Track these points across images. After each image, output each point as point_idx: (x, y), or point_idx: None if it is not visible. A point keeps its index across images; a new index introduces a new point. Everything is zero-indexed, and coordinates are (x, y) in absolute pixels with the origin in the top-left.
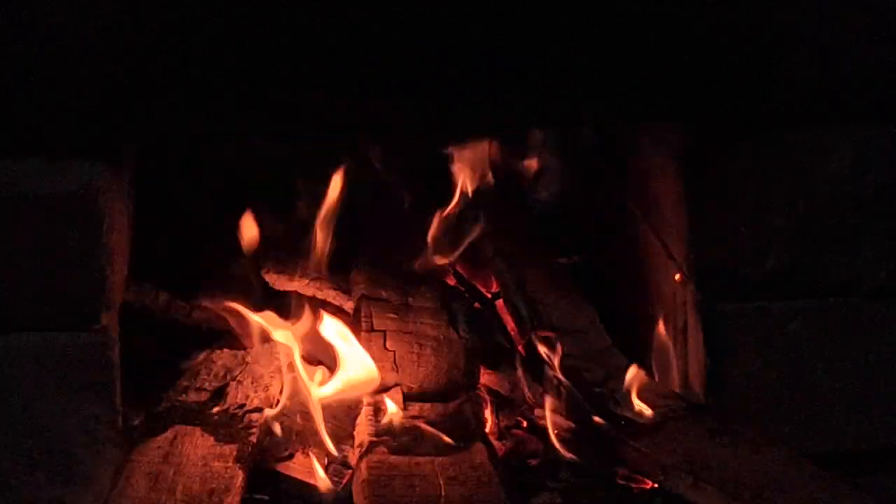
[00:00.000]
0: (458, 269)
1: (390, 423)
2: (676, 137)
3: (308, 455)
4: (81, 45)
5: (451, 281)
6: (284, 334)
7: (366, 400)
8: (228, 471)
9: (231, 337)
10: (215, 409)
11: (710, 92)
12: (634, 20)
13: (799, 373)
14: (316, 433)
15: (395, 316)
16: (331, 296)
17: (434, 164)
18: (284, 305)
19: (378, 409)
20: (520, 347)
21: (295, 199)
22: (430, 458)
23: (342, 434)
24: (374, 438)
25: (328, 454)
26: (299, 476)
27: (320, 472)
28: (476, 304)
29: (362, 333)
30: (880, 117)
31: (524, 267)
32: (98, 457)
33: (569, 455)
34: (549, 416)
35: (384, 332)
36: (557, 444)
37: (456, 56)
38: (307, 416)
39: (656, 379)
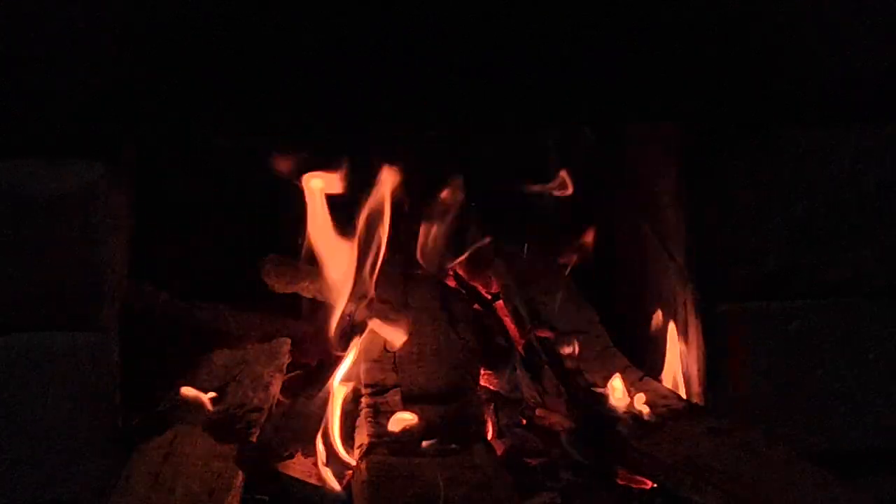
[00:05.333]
0: (458, 270)
1: (392, 424)
2: (676, 137)
3: (308, 455)
4: (82, 45)
5: (451, 282)
6: None
7: (365, 401)
8: (228, 471)
9: (231, 337)
10: (215, 409)
11: (709, 92)
12: (634, 20)
13: (799, 373)
14: (319, 433)
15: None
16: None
17: (434, 164)
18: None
19: (378, 410)
20: (520, 348)
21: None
22: (431, 458)
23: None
24: (375, 439)
25: (332, 453)
26: (299, 476)
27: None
28: (476, 305)
29: (363, 335)
30: (880, 117)
31: (524, 267)
32: (98, 457)
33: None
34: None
35: None
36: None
37: (455, 56)
38: (308, 416)
39: (656, 379)
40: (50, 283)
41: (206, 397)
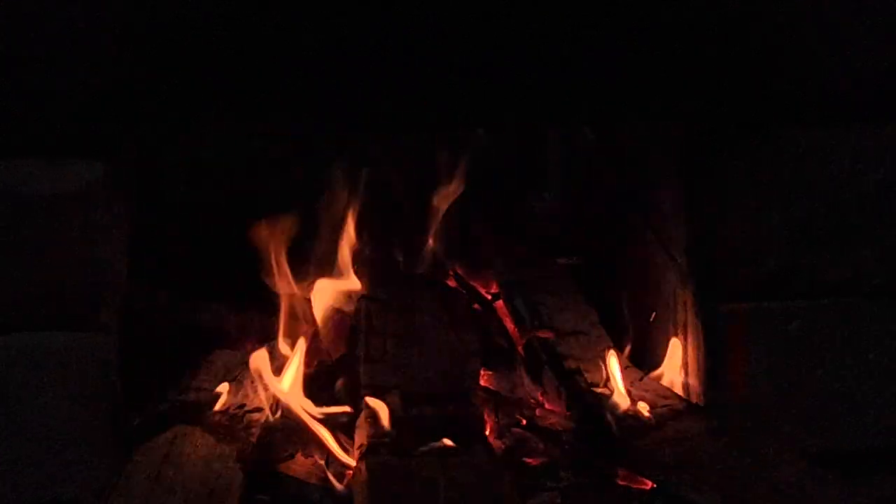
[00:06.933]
0: (458, 269)
1: (390, 425)
2: (676, 137)
3: (308, 456)
4: (82, 45)
5: (452, 282)
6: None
7: (365, 402)
8: (228, 471)
9: (231, 337)
10: (215, 409)
11: (709, 92)
12: (634, 19)
13: (799, 373)
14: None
15: (395, 317)
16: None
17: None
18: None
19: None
20: (519, 348)
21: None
22: (430, 459)
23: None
24: (374, 440)
25: (330, 454)
26: (300, 476)
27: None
28: (476, 305)
29: (362, 335)
30: (880, 117)
31: (524, 267)
32: (98, 457)
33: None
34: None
35: (384, 332)
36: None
37: (455, 56)
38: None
39: (656, 379)
40: (50, 283)
41: None
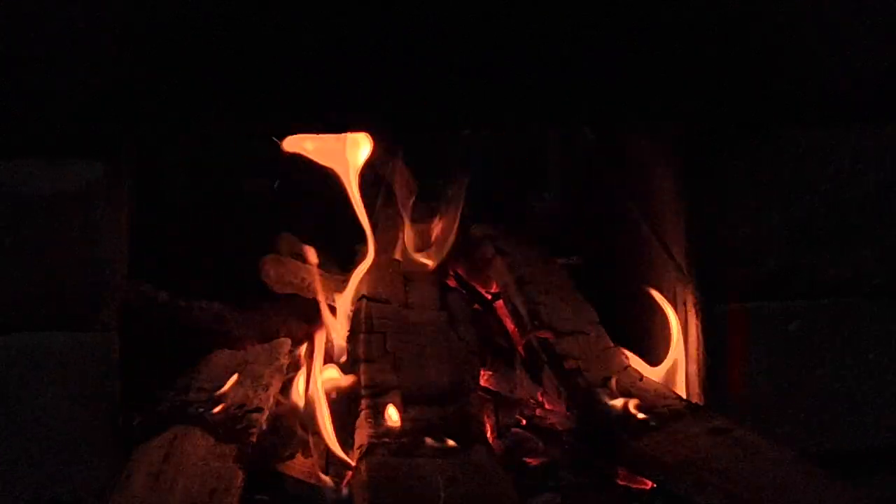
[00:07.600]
0: (458, 269)
1: (391, 425)
2: (676, 137)
3: (309, 456)
4: (82, 45)
5: (452, 282)
6: None
7: (365, 402)
8: (228, 471)
9: (231, 337)
10: (215, 410)
11: (709, 92)
12: (634, 19)
13: (799, 373)
14: (318, 433)
15: (395, 317)
16: (331, 297)
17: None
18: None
19: (378, 411)
20: (519, 348)
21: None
22: (430, 459)
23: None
24: (374, 440)
25: (331, 453)
26: (300, 476)
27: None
28: (476, 305)
29: (362, 335)
30: (880, 117)
31: (524, 267)
32: (98, 457)
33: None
34: None
35: (384, 332)
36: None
37: (455, 56)
38: (309, 415)
39: (656, 379)
40: (50, 283)
41: None
